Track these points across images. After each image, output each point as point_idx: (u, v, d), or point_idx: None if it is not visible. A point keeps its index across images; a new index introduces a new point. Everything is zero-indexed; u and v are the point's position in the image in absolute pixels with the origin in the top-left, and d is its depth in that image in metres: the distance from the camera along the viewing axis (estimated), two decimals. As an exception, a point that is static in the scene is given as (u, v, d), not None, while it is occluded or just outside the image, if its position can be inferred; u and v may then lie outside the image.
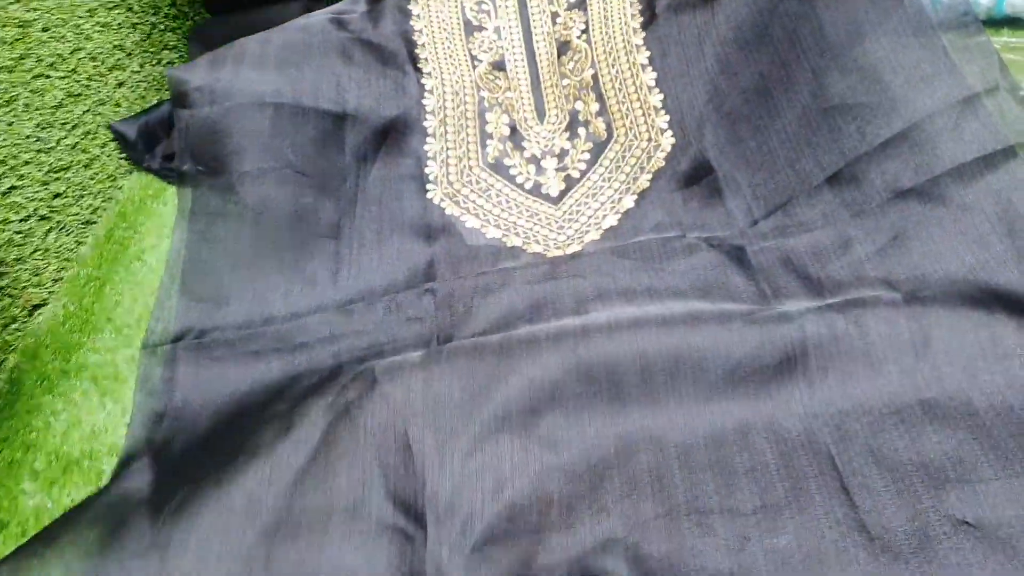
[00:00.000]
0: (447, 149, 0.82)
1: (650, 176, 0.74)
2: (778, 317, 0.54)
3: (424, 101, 0.85)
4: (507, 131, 0.84)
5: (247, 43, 0.85)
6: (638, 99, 0.80)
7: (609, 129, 0.80)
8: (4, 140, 0.86)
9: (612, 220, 0.73)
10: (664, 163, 0.75)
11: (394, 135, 0.79)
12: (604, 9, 0.86)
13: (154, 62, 1.25)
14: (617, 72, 0.82)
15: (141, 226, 1.00)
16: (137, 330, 0.82)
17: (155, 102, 1.23)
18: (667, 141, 0.76)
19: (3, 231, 0.83)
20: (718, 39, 0.75)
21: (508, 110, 0.84)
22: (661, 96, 0.79)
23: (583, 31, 0.87)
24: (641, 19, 0.84)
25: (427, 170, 0.81)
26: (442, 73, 0.86)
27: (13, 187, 0.86)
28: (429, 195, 0.78)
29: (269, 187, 0.75)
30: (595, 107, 0.82)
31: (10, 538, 0.61)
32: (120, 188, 1.07)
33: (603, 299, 0.60)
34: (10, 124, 0.87)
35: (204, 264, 0.73)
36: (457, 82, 0.85)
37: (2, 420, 0.72)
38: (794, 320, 0.54)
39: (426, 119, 0.84)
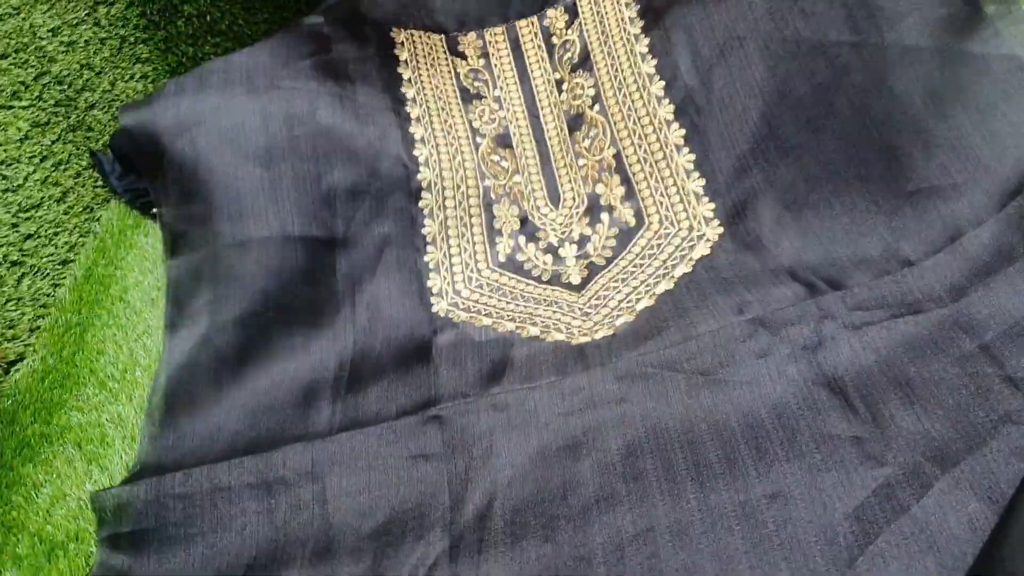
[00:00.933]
0: (450, 257, 0.71)
1: (692, 263, 0.64)
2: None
3: (421, 204, 0.73)
4: (518, 224, 0.73)
5: (211, 69, 0.78)
6: (674, 184, 0.68)
7: (639, 216, 0.69)
8: (-35, 184, 0.79)
9: (648, 302, 0.63)
10: (710, 252, 0.64)
11: (388, 253, 0.69)
12: (613, 70, 0.74)
13: (126, 78, 1.18)
14: (645, 152, 0.71)
15: (122, 261, 0.93)
16: (123, 383, 0.76)
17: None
18: (713, 231, 0.65)
19: (-30, 285, 0.76)
20: (771, 116, 0.64)
21: (517, 199, 0.73)
22: (703, 182, 0.68)
23: (594, 99, 0.75)
24: (663, 83, 0.71)
25: (429, 283, 0.70)
26: (440, 159, 0.74)
27: (-22, 234, 0.79)
28: (434, 309, 0.69)
29: (271, 258, 0.67)
30: (620, 191, 0.71)
31: (-8, 639, 0.56)
32: (98, 220, 1.00)
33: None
34: (-30, 166, 0.81)
35: (189, 375, 0.65)
36: (457, 169, 0.73)
37: (-21, 498, 0.67)
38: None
39: (424, 224, 0.72)
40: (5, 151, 0.86)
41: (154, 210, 0.81)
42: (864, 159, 0.59)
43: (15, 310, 0.81)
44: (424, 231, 0.72)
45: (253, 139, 0.70)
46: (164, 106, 0.73)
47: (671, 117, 0.71)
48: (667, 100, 0.72)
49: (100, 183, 1.03)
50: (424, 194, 0.73)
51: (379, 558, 0.48)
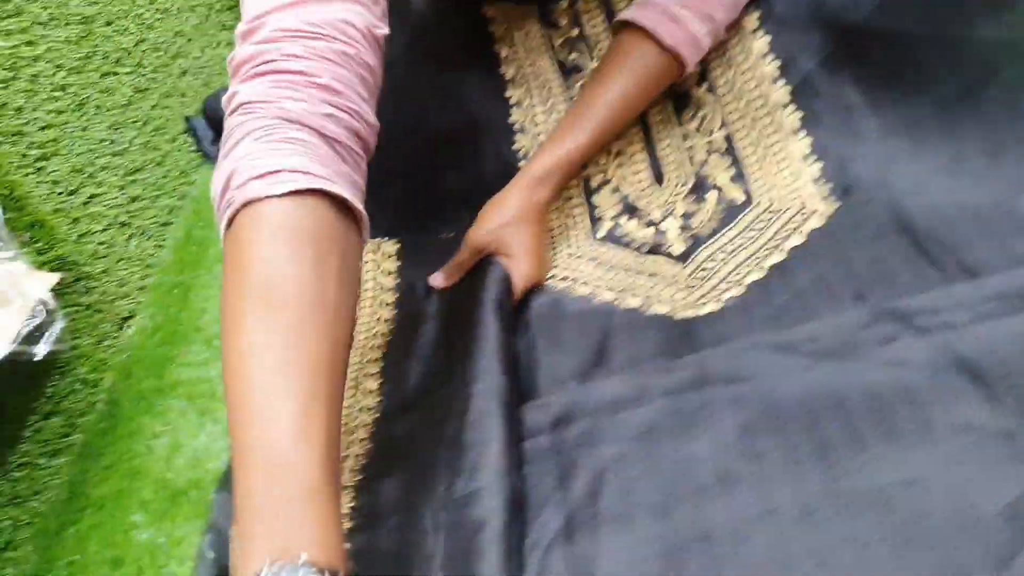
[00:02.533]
0: (550, 231, 0.70)
1: (805, 235, 0.61)
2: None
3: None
4: (620, 208, 0.70)
5: None
6: (789, 168, 0.65)
7: (748, 195, 0.66)
8: (80, 147, 0.82)
9: (758, 275, 0.60)
10: (825, 223, 0.61)
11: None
12: (724, 51, 0.70)
13: (213, 45, 1.21)
14: (759, 135, 0.68)
15: (218, 224, 0.97)
16: (227, 341, 0.79)
17: (219, 88, 1.19)
18: (829, 206, 0.62)
19: (88, 243, 0.80)
20: (903, 108, 0.60)
21: (619, 185, 0.71)
22: (820, 165, 0.64)
23: (701, 76, 0.71)
24: (778, 62, 0.68)
25: None
26: (538, 144, 0.71)
27: (93, 196, 0.83)
28: None
29: None
30: (730, 172, 0.68)
31: (127, 576, 0.60)
32: (193, 183, 1.04)
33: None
34: (84, 129, 0.84)
35: None
36: None
37: (106, 446, 0.71)
38: None
39: None
40: (112, 115, 0.89)
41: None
42: (1006, 147, 0.57)
43: (125, 269, 0.85)
44: None
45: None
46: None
47: (787, 100, 0.68)
48: (783, 82, 0.69)
49: (194, 147, 1.06)
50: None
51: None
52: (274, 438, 0.38)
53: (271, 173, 0.42)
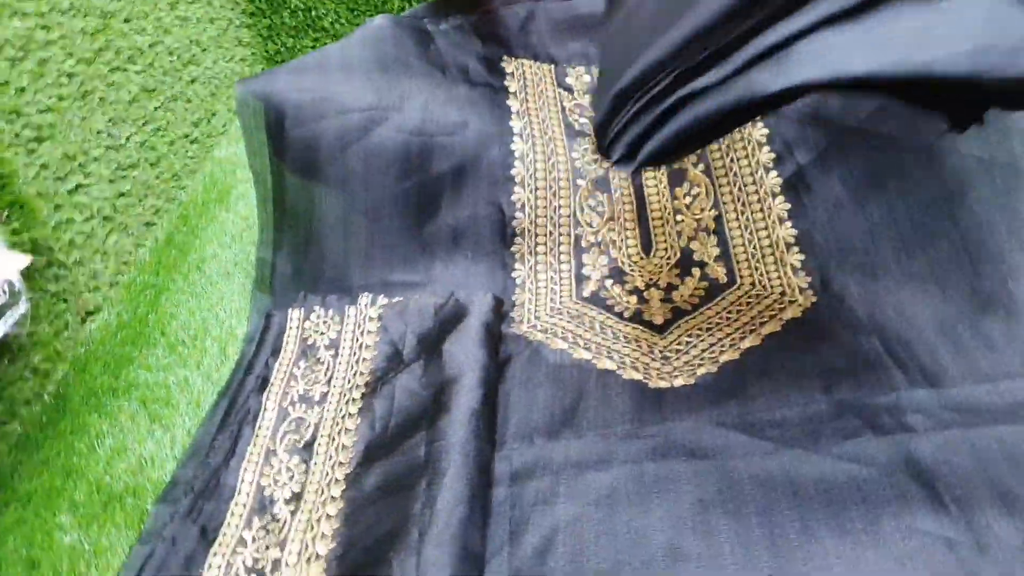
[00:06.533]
0: (536, 283, 0.72)
1: (782, 323, 0.63)
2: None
3: (512, 249, 0.75)
4: (606, 271, 0.73)
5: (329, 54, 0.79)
6: (772, 254, 0.67)
7: (731, 275, 0.69)
8: (76, 136, 0.82)
9: (732, 355, 0.61)
10: (802, 315, 0.63)
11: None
12: (725, 139, 0.73)
13: (227, 58, 1.22)
14: (747, 220, 0.70)
15: (202, 232, 0.96)
16: (192, 349, 0.78)
17: (227, 96, 1.20)
18: (806, 299, 0.64)
19: (66, 231, 0.79)
20: (885, 212, 0.63)
21: (608, 248, 0.73)
22: (802, 257, 0.67)
23: (699, 157, 0.74)
24: (773, 154, 0.70)
25: (514, 297, 0.72)
26: (536, 204, 0.74)
27: (79, 185, 0.82)
28: (512, 328, 0.69)
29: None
30: (715, 251, 0.71)
31: (41, 579, 0.57)
32: (184, 189, 1.03)
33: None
34: (84, 119, 0.83)
35: None
36: (552, 216, 0.74)
37: (45, 439, 0.68)
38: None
39: (515, 269, 0.74)
40: (115, 110, 0.89)
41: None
42: (973, 267, 0.59)
43: (100, 263, 0.83)
44: (514, 275, 0.74)
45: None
46: (287, 83, 0.74)
47: (778, 190, 0.71)
48: (775, 173, 0.71)
49: (191, 155, 1.06)
50: (516, 240, 0.75)
51: None
52: None
53: None
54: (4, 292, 0.57)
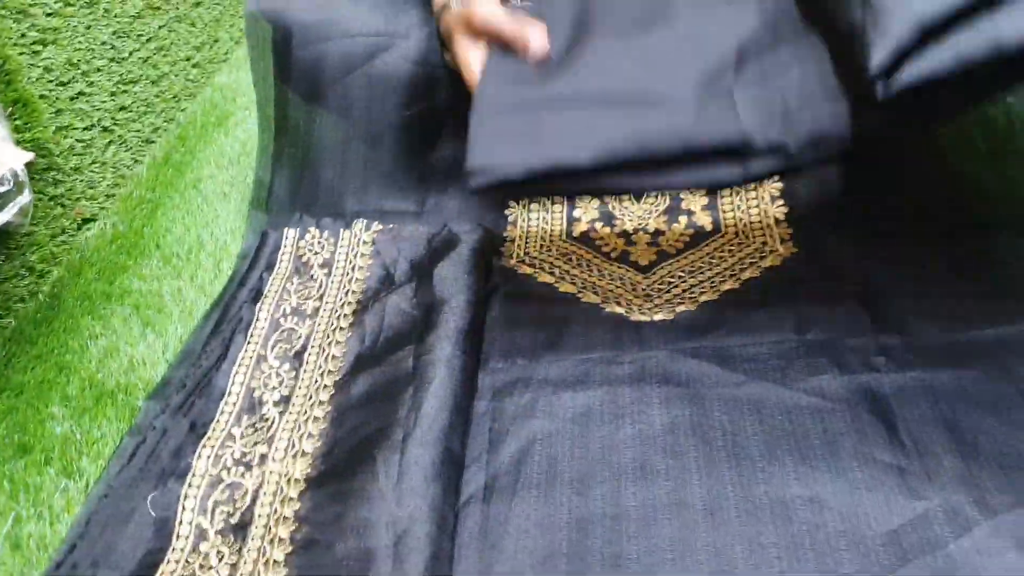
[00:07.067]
0: (528, 221, 0.76)
1: (760, 270, 0.66)
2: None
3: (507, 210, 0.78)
4: (597, 214, 0.76)
5: None
6: (757, 207, 0.72)
7: (716, 224, 0.72)
8: (80, 43, 0.82)
9: (711, 296, 0.64)
10: (780, 263, 0.67)
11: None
12: None
13: (234, -16, 1.21)
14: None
15: (200, 153, 0.96)
16: (186, 262, 0.79)
17: (230, 24, 1.19)
18: (787, 249, 0.68)
19: (66, 137, 0.79)
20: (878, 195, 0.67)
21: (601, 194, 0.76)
22: (785, 209, 0.71)
23: None
24: None
25: (505, 233, 0.75)
26: None
27: (81, 93, 0.82)
28: (502, 261, 0.72)
29: None
30: (703, 201, 0.74)
31: (32, 465, 0.59)
32: (183, 111, 1.03)
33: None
34: (88, 27, 0.83)
35: None
36: None
37: (39, 336, 0.69)
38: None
39: (507, 218, 0.78)
40: (119, 23, 0.89)
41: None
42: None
43: (98, 172, 0.84)
44: (507, 212, 0.77)
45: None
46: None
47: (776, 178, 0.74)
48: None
49: (191, 78, 1.06)
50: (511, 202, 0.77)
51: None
52: None
53: None
54: (9, 180, 0.58)
